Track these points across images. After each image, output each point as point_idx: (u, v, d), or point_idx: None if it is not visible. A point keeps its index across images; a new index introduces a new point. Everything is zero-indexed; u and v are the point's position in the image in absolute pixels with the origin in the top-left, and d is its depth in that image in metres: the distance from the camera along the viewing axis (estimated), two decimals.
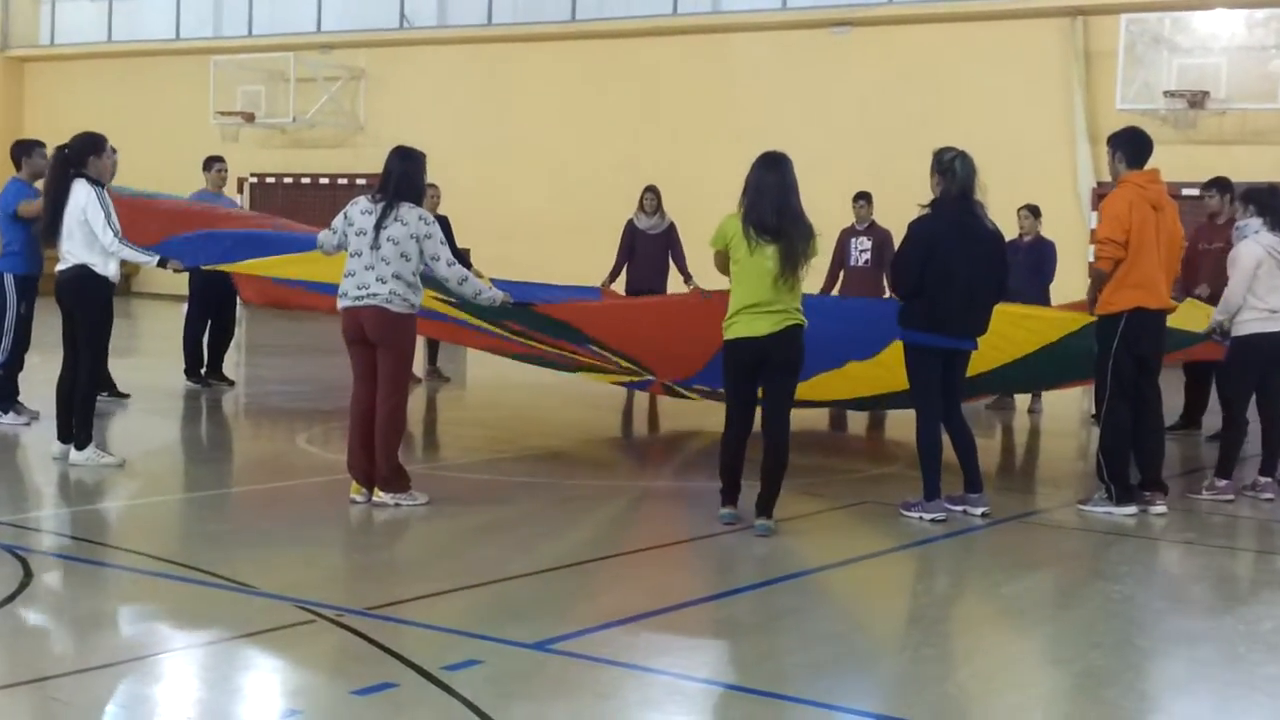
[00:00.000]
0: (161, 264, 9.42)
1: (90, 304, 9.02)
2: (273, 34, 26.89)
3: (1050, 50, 20.35)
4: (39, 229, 10.20)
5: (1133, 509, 8.50)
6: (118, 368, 9.68)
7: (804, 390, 9.11)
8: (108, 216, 8.88)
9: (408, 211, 7.98)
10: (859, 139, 21.14)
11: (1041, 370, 9.91)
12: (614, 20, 23.74)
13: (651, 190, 14.14)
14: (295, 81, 25.79)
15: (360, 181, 23.84)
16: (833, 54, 21.82)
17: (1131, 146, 8.61)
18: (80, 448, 9.01)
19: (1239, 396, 9.33)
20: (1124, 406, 8.55)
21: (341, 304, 8.07)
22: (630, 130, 23.14)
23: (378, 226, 7.93)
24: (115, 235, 8.89)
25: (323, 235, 8.27)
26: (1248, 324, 9.10)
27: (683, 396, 11.01)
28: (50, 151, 10.30)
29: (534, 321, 9.85)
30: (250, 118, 26.35)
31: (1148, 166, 8.60)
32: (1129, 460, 8.61)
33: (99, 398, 9.49)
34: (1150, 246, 8.38)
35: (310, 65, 25.91)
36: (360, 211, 8.04)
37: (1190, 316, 9.70)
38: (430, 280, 8.35)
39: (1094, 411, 9.77)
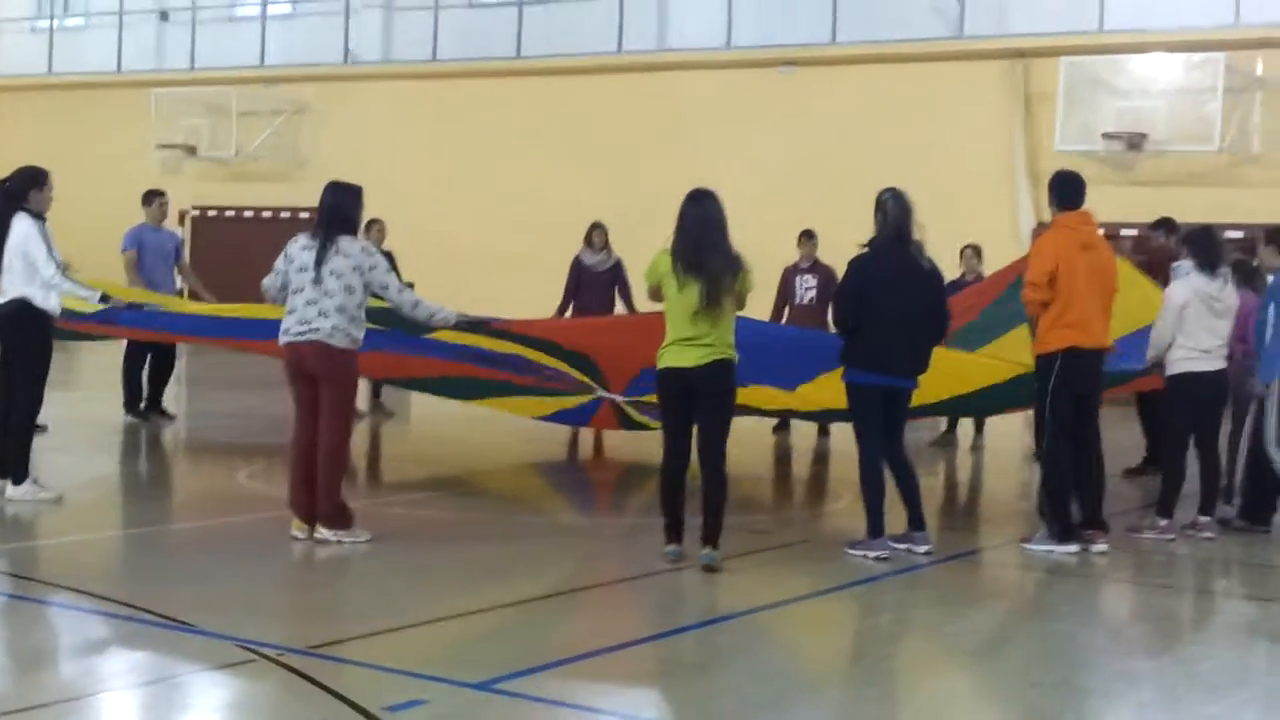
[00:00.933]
0: (104, 299, 9.35)
1: (28, 337, 8.92)
2: (215, 67, 26.77)
3: (992, 91, 20.58)
4: None
5: (1074, 547, 8.56)
6: (54, 401, 9.55)
7: (753, 397, 9.16)
8: (49, 249, 8.82)
9: (349, 244, 7.96)
10: (804, 177, 21.26)
11: (987, 401, 10.02)
12: (559, 57, 23.78)
13: (598, 227, 14.16)
14: (238, 115, 25.67)
15: (303, 215, 23.70)
16: (778, 93, 21.96)
17: (1062, 189, 8.77)
18: (17, 483, 8.89)
19: (1175, 435, 9.42)
20: (1065, 445, 8.63)
21: (283, 339, 8.02)
22: (577, 166, 23.18)
23: (318, 262, 7.90)
24: (57, 267, 8.83)
25: (266, 280, 8.21)
26: (1178, 363, 9.20)
27: (633, 422, 10.86)
28: None
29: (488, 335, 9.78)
30: (192, 150, 26.20)
31: (1084, 208, 8.73)
32: (1070, 499, 8.68)
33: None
34: (1082, 287, 8.48)
35: (253, 99, 25.81)
36: (300, 248, 8.03)
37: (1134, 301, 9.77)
38: (374, 314, 8.32)
39: (1035, 449, 9.83)
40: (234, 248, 25.29)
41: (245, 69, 26.36)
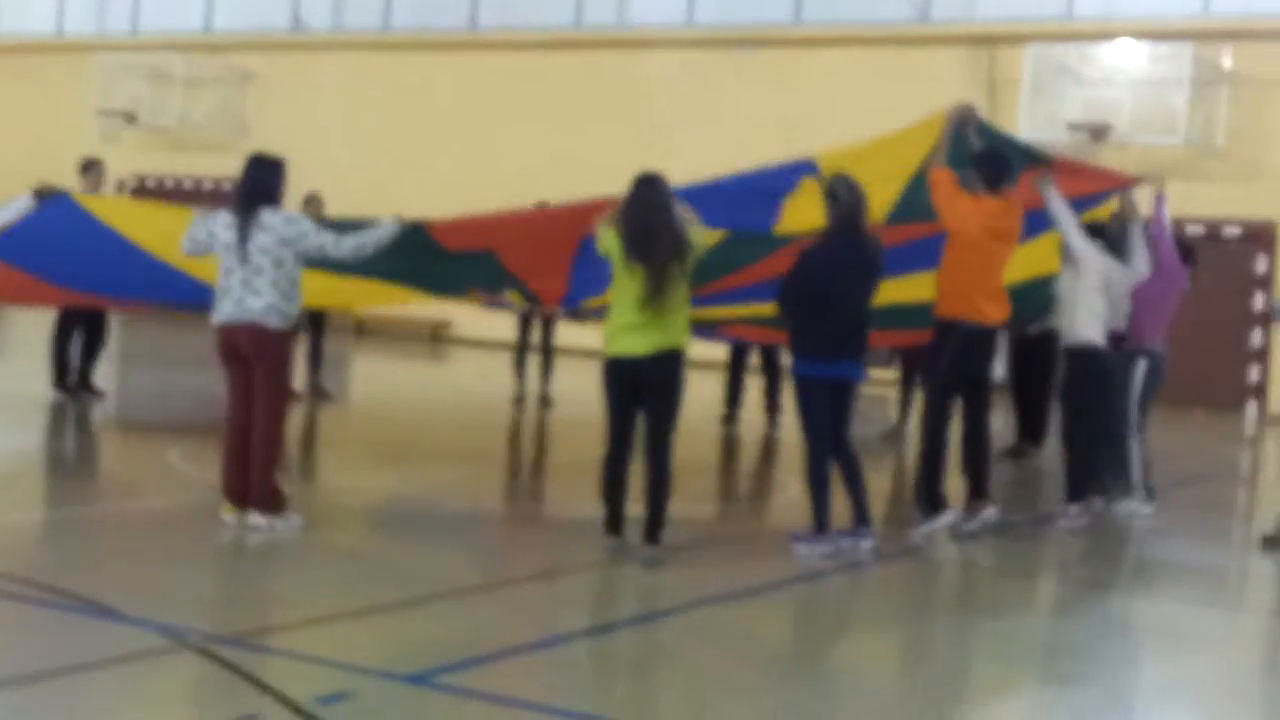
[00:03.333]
0: (37, 195, 9.07)
1: None
2: (159, 31, 26.32)
3: (957, 78, 20.38)
4: None
5: (951, 515, 8.58)
6: None
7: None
8: None
9: (269, 217, 7.73)
10: (765, 159, 20.97)
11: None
12: (516, 31, 23.52)
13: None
14: (182, 82, 25.25)
15: None
16: (739, 73, 21.78)
17: (988, 169, 8.62)
18: None
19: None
20: (946, 420, 8.66)
21: (216, 319, 7.79)
22: (533, 142, 22.91)
23: (243, 239, 7.67)
24: None
25: (184, 246, 8.00)
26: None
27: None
28: None
29: (425, 256, 9.22)
30: (133, 118, 25.72)
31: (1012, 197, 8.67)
32: (943, 473, 8.72)
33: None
34: (979, 268, 8.46)
35: (198, 66, 25.39)
36: (223, 226, 7.79)
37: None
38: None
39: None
40: None
41: (190, 34, 25.95)
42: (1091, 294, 9.14)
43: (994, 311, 8.59)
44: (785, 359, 9.86)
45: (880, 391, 14.81)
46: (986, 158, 8.70)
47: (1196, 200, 18.21)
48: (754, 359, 14.07)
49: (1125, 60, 19.16)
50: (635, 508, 7.64)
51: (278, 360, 7.81)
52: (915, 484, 8.83)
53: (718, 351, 13.72)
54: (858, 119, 20.56)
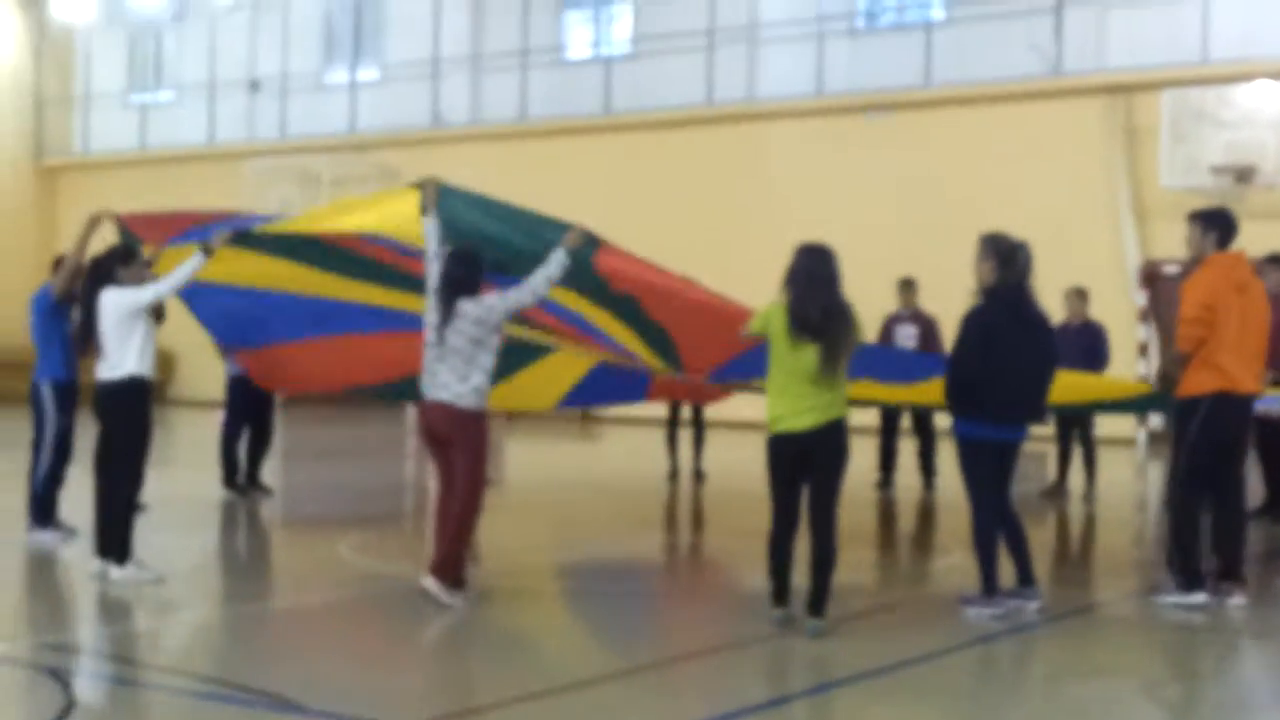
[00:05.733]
0: (206, 251, 8.86)
1: (126, 414, 8.83)
2: (306, 135, 27.06)
3: (1092, 129, 20.23)
4: (74, 332, 9.93)
5: (1202, 597, 8.21)
6: (151, 478, 9.43)
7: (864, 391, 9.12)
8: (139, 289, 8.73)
9: (464, 304, 8.00)
10: (899, 224, 21.00)
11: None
12: (648, 111, 23.78)
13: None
14: (329, 183, 25.93)
15: None
16: (870, 138, 21.77)
17: (1226, 227, 8.39)
18: (119, 564, 8.83)
19: None
20: (1200, 494, 8.32)
21: (423, 393, 8.11)
22: (667, 219, 23.08)
23: (442, 325, 7.98)
24: (152, 288, 8.73)
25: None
26: None
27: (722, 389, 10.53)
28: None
29: (585, 285, 9.21)
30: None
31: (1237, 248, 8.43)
32: (1199, 549, 8.35)
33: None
34: (1234, 331, 8.17)
35: (344, 165, 26.05)
36: (429, 309, 8.13)
37: None
38: None
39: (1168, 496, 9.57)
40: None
41: (335, 136, 26.63)
42: None
43: (1247, 378, 8.29)
44: (940, 421, 9.81)
45: (1038, 448, 14.61)
46: (1221, 217, 8.46)
47: None
48: (905, 421, 14.00)
49: (1265, 101, 18.78)
50: (798, 576, 7.60)
51: (473, 440, 8.03)
52: (1169, 553, 8.49)
53: (870, 416, 13.66)
54: (993, 178, 20.55)
